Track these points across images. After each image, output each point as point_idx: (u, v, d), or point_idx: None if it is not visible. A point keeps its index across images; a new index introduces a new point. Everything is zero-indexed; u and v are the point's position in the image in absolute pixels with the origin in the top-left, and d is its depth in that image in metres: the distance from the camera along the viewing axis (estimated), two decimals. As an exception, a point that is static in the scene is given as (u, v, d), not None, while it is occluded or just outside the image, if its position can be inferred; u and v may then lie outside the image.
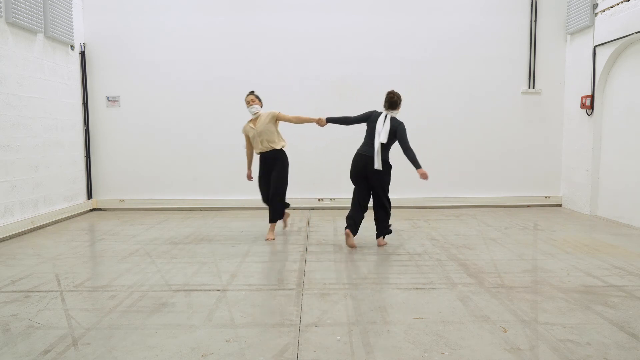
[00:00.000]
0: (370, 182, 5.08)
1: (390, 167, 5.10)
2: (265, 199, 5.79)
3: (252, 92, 5.72)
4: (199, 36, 7.88)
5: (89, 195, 7.97)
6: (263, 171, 5.71)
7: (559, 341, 2.87)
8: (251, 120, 5.68)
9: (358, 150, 5.16)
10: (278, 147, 5.57)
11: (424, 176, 4.84)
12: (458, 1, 7.92)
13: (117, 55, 7.89)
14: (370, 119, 5.16)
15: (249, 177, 6.01)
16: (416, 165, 4.87)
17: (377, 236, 5.33)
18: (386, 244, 5.36)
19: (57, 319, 3.27)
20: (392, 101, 5.06)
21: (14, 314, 3.37)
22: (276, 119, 5.60)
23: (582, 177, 7.52)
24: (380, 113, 5.12)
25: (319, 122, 5.52)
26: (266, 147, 5.56)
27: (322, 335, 2.96)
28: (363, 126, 5.28)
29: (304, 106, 7.59)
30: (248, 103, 5.64)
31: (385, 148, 5.03)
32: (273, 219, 5.69)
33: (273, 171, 5.60)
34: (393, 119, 5.02)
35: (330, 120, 5.45)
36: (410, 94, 7.96)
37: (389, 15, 7.91)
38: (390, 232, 5.33)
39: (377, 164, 4.93)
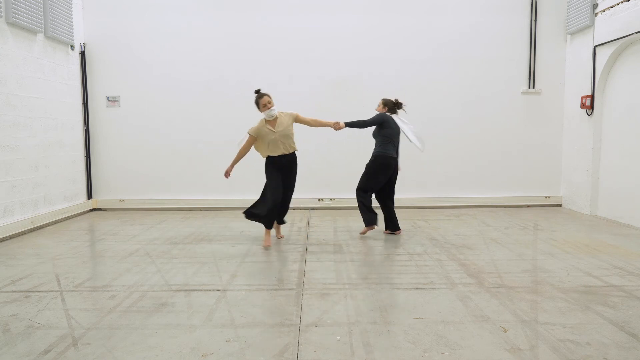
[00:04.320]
0: (391, 178, 5.74)
1: None
2: (278, 202, 5.32)
3: (264, 93, 5.21)
4: (200, 36, 7.88)
5: (89, 195, 7.97)
6: (278, 174, 5.31)
7: (559, 341, 2.87)
8: (267, 122, 5.20)
9: (387, 154, 5.54)
10: (296, 150, 5.41)
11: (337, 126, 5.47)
12: (458, 1, 7.92)
13: (117, 56, 7.89)
14: (387, 122, 5.55)
15: (228, 175, 5.44)
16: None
17: (395, 228, 5.87)
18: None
19: (57, 319, 3.27)
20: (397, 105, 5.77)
21: (14, 314, 3.37)
22: (294, 120, 5.33)
23: (582, 177, 7.52)
24: (390, 116, 5.61)
25: (335, 126, 5.47)
26: (287, 150, 5.26)
27: (322, 335, 2.96)
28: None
29: (305, 106, 7.57)
30: (266, 106, 5.13)
31: None
32: (283, 221, 5.74)
33: (290, 174, 5.41)
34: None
35: (348, 124, 5.56)
36: (411, 94, 7.96)
37: (389, 16, 7.91)
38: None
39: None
